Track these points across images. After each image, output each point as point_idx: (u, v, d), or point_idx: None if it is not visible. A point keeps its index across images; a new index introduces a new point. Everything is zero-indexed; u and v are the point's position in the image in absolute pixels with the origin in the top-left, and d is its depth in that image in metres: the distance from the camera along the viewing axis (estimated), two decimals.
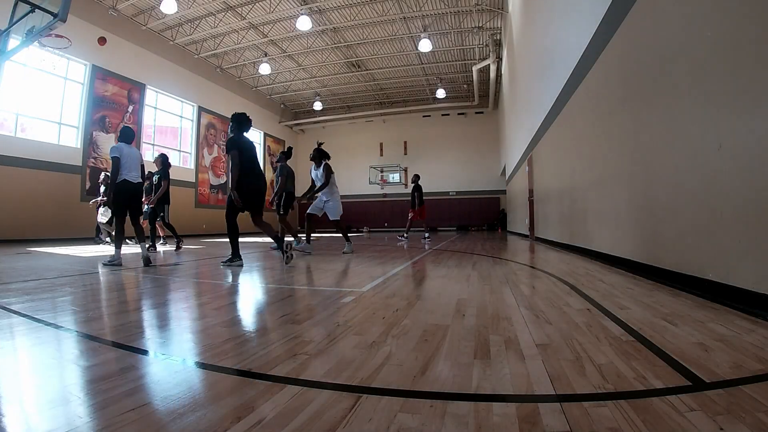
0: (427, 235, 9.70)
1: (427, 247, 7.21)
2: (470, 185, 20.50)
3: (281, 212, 6.62)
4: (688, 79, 2.28)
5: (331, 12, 12.89)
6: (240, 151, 4.11)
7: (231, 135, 4.32)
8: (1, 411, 0.93)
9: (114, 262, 4.21)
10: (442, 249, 6.65)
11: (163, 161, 6.85)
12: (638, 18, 2.93)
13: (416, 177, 9.27)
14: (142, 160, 4.69)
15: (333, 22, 13.36)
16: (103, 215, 8.10)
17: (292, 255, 4.13)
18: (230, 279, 3.30)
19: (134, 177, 4.41)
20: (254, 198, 4.20)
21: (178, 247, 6.78)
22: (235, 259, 4.15)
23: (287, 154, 6.69)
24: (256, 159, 4.41)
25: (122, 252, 4.39)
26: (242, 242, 9.65)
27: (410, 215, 9.27)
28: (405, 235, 9.32)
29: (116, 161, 4.26)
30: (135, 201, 4.50)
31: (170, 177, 7.00)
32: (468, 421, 0.85)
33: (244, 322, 1.92)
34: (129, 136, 4.56)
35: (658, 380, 1.05)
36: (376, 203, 21.95)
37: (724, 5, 1.97)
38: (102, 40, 11.11)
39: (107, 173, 7.71)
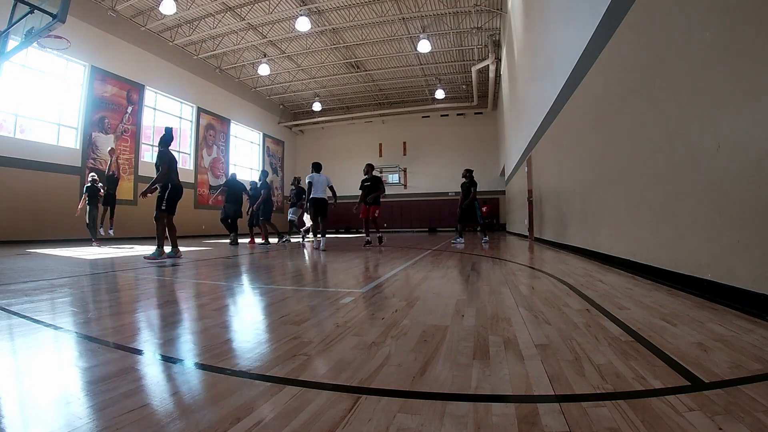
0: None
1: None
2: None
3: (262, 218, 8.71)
4: (687, 79, 2.29)
5: (330, 13, 12.90)
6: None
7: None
8: (1, 412, 0.93)
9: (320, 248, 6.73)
10: (441, 249, 6.66)
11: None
12: (637, 18, 2.94)
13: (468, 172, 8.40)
14: (329, 182, 7.16)
15: (332, 22, 13.37)
16: (294, 214, 10.60)
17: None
18: (227, 279, 3.30)
19: (320, 194, 7.01)
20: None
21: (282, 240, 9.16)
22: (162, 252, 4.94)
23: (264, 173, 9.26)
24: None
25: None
26: (240, 242, 9.65)
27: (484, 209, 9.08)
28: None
29: (309, 185, 6.97)
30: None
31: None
32: (467, 422, 0.86)
33: (244, 323, 1.92)
34: (317, 167, 7.12)
35: (657, 380, 1.05)
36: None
37: (723, 6, 1.98)
38: None
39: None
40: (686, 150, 2.31)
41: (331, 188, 7.25)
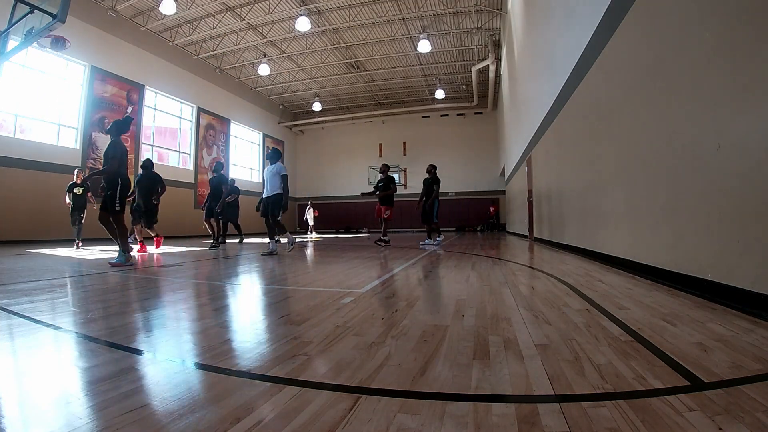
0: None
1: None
2: (469, 186, 20.49)
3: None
4: (687, 79, 2.29)
5: (330, 13, 12.90)
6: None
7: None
8: (1, 412, 0.93)
9: (273, 252, 5.72)
10: (441, 249, 6.65)
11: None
12: (637, 19, 2.94)
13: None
14: None
15: (332, 22, 13.37)
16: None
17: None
18: (226, 279, 3.30)
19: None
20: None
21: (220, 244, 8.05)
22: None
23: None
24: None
25: None
26: (245, 243, 9.64)
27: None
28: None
29: (286, 178, 5.87)
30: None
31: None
32: (467, 422, 0.85)
33: (244, 323, 1.92)
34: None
35: (657, 380, 1.05)
36: (376, 204, 21.94)
37: (723, 5, 1.98)
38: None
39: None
40: (686, 150, 2.30)
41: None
